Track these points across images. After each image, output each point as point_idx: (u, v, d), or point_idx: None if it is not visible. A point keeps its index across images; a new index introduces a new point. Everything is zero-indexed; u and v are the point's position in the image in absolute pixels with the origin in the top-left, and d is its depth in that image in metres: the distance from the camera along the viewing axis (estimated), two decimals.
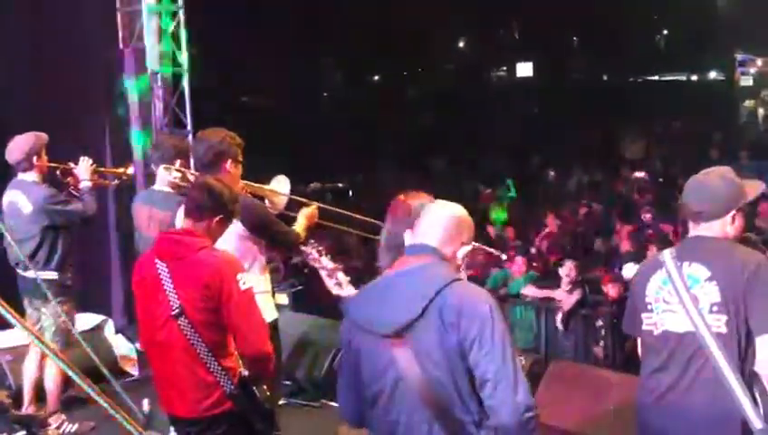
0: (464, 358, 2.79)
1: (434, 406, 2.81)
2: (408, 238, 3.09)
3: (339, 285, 4.20)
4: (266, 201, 5.17)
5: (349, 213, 5.90)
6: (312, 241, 4.40)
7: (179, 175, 5.21)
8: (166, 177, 5.34)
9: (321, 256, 4.22)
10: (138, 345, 6.86)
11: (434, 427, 2.83)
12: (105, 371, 4.81)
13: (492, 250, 5.05)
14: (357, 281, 4.15)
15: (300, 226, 4.98)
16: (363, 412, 3.05)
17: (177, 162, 5.30)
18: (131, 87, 8.15)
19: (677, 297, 3.48)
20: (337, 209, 5.85)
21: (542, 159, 19.17)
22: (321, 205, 5.29)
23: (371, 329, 2.92)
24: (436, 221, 3.03)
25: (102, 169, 6.41)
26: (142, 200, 5.57)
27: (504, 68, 35.26)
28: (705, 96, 27.97)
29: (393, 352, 2.85)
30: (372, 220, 4.95)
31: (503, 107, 26.10)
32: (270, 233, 4.79)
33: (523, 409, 2.76)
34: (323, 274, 4.18)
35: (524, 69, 32.46)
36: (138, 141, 8.04)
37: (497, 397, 2.77)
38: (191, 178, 5.02)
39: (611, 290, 8.03)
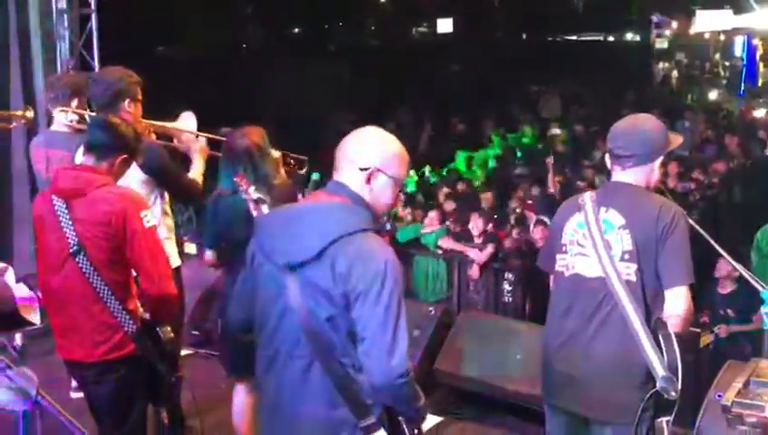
0: (348, 309, 2.72)
1: (315, 342, 2.74)
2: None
3: None
4: (175, 140, 5.03)
5: None
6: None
7: (76, 117, 5.00)
8: (63, 118, 5.10)
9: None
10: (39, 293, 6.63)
11: (313, 364, 2.77)
12: None
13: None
14: None
15: (197, 171, 4.85)
16: (246, 327, 3.02)
17: (75, 101, 5.07)
18: (35, 27, 7.79)
19: (591, 241, 3.47)
20: None
21: (463, 117, 19.10)
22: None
23: (269, 257, 2.86)
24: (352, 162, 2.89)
25: None
26: (39, 143, 5.30)
27: (426, 24, 35.07)
28: (622, 57, 28.30)
29: (285, 281, 2.79)
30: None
31: (424, 63, 25.93)
32: (168, 180, 4.66)
33: (395, 375, 2.69)
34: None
35: (445, 25, 32.30)
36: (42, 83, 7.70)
37: (372, 356, 2.70)
38: (89, 119, 4.83)
39: (508, 242, 8.44)
